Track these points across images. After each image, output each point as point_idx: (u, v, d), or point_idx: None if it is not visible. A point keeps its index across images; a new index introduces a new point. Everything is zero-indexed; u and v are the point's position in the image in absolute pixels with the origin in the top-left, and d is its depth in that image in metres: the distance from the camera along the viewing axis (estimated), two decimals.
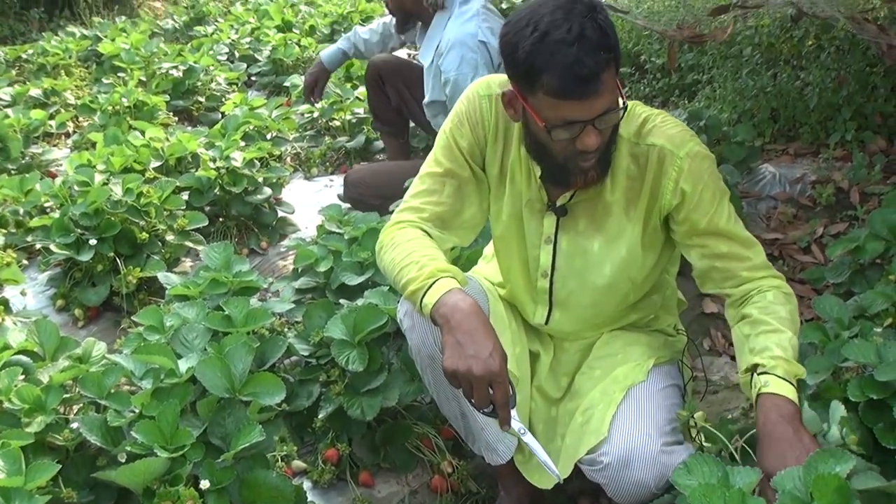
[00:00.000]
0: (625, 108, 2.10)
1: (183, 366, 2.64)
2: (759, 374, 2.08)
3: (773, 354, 2.10)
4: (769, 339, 2.14)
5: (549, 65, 1.96)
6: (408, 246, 2.28)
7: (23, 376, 2.68)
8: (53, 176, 4.98)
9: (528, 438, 2.14)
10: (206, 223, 4.19)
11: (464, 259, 3.17)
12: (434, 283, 2.15)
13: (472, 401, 2.07)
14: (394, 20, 4.63)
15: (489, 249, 2.78)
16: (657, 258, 2.43)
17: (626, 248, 2.35)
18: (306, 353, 2.98)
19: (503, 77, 2.27)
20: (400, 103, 4.72)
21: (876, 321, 2.86)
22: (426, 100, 4.46)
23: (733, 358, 3.46)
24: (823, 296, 3.00)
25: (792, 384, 2.05)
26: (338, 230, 3.71)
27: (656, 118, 2.27)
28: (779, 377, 2.05)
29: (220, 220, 4.50)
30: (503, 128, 2.35)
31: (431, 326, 2.24)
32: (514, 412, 2.11)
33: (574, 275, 2.42)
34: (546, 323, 2.55)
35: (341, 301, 3.18)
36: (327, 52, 4.92)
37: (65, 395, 2.66)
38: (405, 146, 5.02)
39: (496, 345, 2.06)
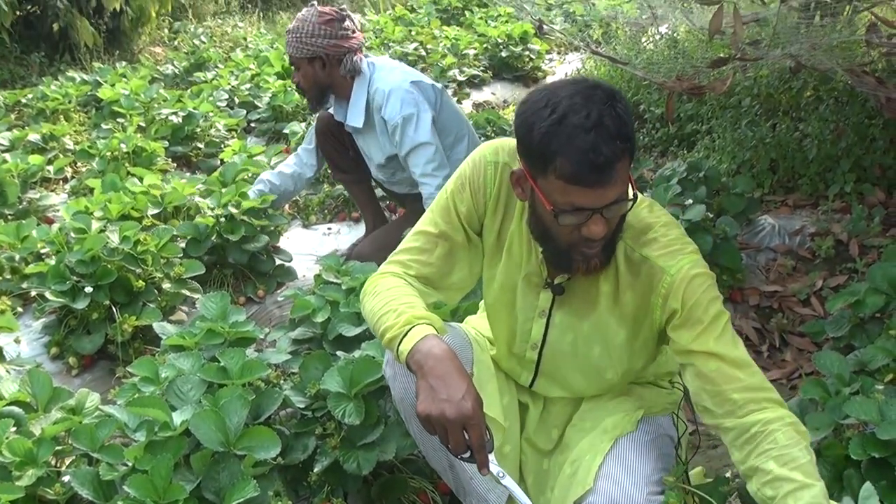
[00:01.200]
0: (634, 199, 2.07)
1: (177, 418, 2.62)
2: None
3: None
4: (801, 501, 1.90)
5: (564, 149, 1.93)
6: (387, 294, 2.28)
7: (14, 428, 2.66)
8: (50, 222, 4.97)
9: (508, 482, 2.11)
10: (203, 271, 4.17)
11: (462, 311, 3.16)
12: (410, 329, 2.14)
13: (449, 447, 2.04)
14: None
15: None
16: (649, 356, 2.42)
17: (612, 342, 2.34)
18: (302, 406, 2.95)
19: (511, 147, 2.27)
20: (358, 155, 4.70)
21: (877, 377, 2.85)
22: (379, 161, 4.50)
23: None
24: (824, 351, 2.99)
25: None
26: (335, 280, 3.70)
27: (659, 229, 2.22)
28: None
29: (217, 267, 4.48)
30: (504, 197, 2.33)
31: (412, 375, 2.22)
32: (492, 457, 2.08)
33: (564, 350, 2.40)
34: (531, 386, 2.54)
35: (338, 353, 3.15)
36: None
37: (57, 448, 2.64)
38: (372, 191, 4.99)
39: (469, 388, 2.04)
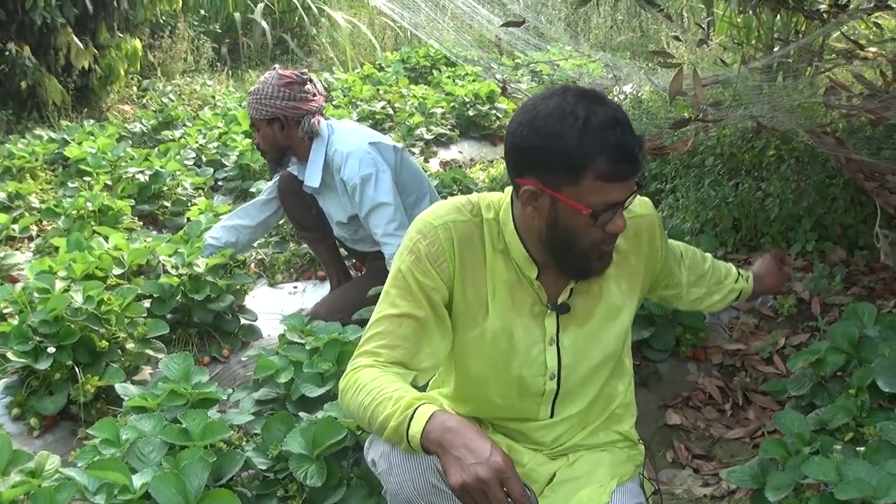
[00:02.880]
0: (640, 186, 2.19)
1: (137, 481, 2.60)
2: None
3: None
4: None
5: (600, 149, 2.04)
6: (373, 385, 2.19)
7: None
8: (15, 281, 4.94)
9: None
10: (167, 331, 4.14)
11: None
12: (415, 412, 2.06)
13: None
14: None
15: (434, 381, 2.73)
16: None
17: (627, 317, 2.45)
18: (264, 467, 2.94)
19: (448, 204, 2.37)
20: (320, 213, 4.72)
21: (837, 436, 2.87)
22: (341, 219, 4.54)
23: (696, 470, 3.46)
24: (785, 410, 3.02)
25: None
26: (299, 340, 3.70)
27: None
28: None
29: (182, 327, 4.46)
30: (466, 251, 2.32)
31: (411, 471, 2.20)
32: None
33: (579, 365, 2.42)
34: (552, 416, 2.50)
35: (301, 414, 3.14)
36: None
37: None
38: (336, 248, 4.99)
39: (494, 446, 1.98)
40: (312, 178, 4.39)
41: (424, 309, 2.30)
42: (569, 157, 2.07)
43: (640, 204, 2.39)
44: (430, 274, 2.30)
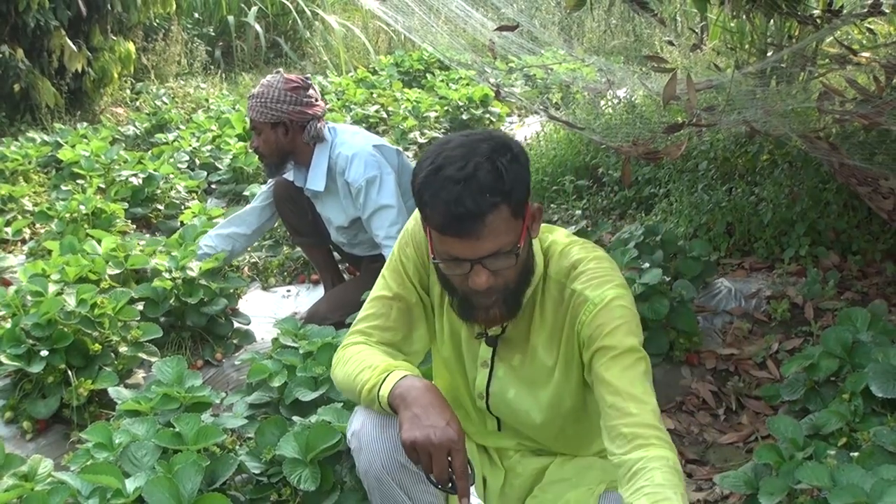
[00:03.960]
0: (516, 253, 2.09)
1: (130, 486, 2.60)
2: None
3: None
4: None
5: (432, 199, 2.02)
6: (359, 357, 2.31)
7: None
8: (8, 284, 4.92)
9: None
10: (161, 334, 4.13)
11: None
12: (389, 374, 2.18)
13: (432, 477, 2.06)
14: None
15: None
16: (589, 400, 2.38)
17: (553, 389, 2.35)
18: (258, 472, 2.93)
19: None
20: (316, 219, 4.72)
21: (830, 441, 2.87)
22: (341, 223, 4.53)
23: (690, 475, 3.46)
24: (778, 415, 3.01)
25: None
26: (293, 344, 3.69)
27: (588, 263, 2.26)
28: None
29: (175, 330, 4.45)
30: None
31: (379, 449, 2.24)
32: (472, 489, 2.11)
33: (507, 404, 2.42)
34: (499, 429, 2.54)
35: (294, 418, 3.14)
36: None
37: None
38: (330, 254, 5.01)
39: (453, 416, 2.08)
40: (316, 181, 4.38)
41: (414, 294, 2.40)
42: (416, 198, 2.08)
43: (599, 287, 2.20)
44: (413, 258, 2.39)
